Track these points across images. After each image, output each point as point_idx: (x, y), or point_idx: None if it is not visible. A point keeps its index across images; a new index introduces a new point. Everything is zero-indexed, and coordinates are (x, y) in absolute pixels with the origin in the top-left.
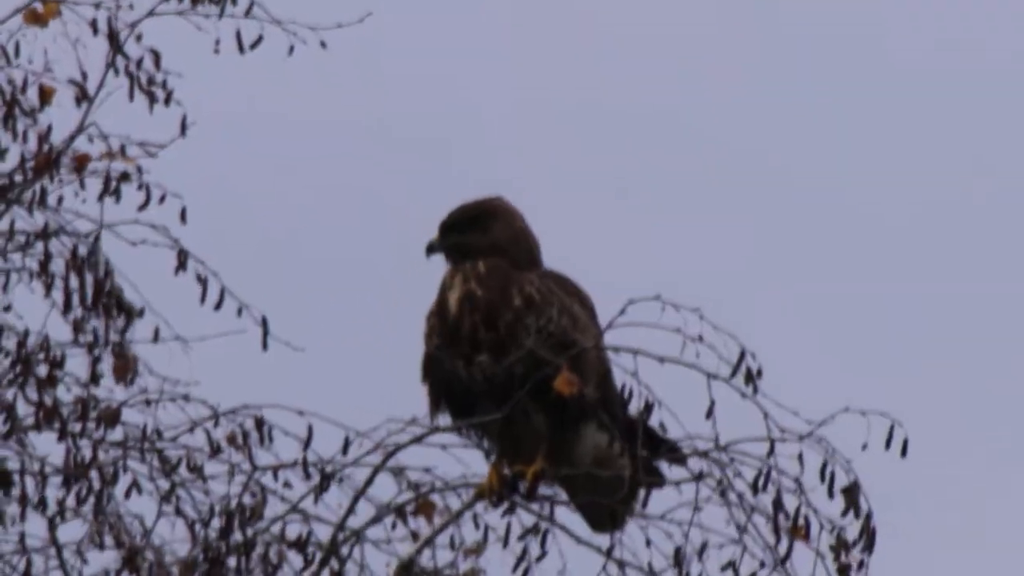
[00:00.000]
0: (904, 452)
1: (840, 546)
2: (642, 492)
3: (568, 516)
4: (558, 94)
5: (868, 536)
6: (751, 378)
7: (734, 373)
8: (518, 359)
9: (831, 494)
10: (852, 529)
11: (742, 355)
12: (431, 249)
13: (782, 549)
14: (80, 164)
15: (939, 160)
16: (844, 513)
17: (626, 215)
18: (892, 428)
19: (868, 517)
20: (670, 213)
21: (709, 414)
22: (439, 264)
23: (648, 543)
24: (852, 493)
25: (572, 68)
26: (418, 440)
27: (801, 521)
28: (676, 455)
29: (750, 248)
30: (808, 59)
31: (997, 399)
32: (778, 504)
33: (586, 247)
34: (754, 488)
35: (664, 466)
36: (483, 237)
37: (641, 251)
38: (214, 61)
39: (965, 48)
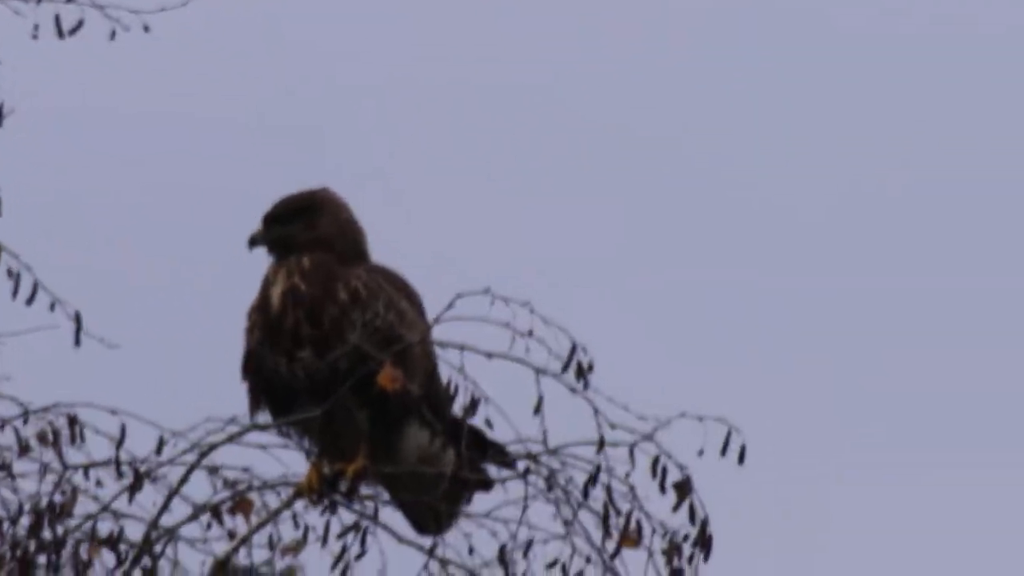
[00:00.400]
0: (741, 459)
1: (672, 550)
2: (468, 492)
3: (391, 515)
4: (430, 73)
5: (703, 542)
6: (582, 373)
7: (565, 368)
8: (342, 354)
9: (663, 489)
10: (687, 532)
11: (573, 349)
12: (253, 242)
13: (611, 547)
14: None
15: (823, 138)
16: (676, 508)
17: (495, 198)
18: (729, 434)
19: (704, 523)
20: (538, 196)
21: (537, 410)
22: (263, 258)
23: (470, 548)
24: (684, 489)
25: (446, 46)
26: (234, 438)
27: (633, 525)
28: (505, 458)
29: (616, 234)
30: (689, 34)
31: (850, 400)
32: (609, 502)
33: (453, 232)
34: (584, 491)
35: (492, 469)
36: (308, 230)
37: (508, 236)
38: (34, 48)
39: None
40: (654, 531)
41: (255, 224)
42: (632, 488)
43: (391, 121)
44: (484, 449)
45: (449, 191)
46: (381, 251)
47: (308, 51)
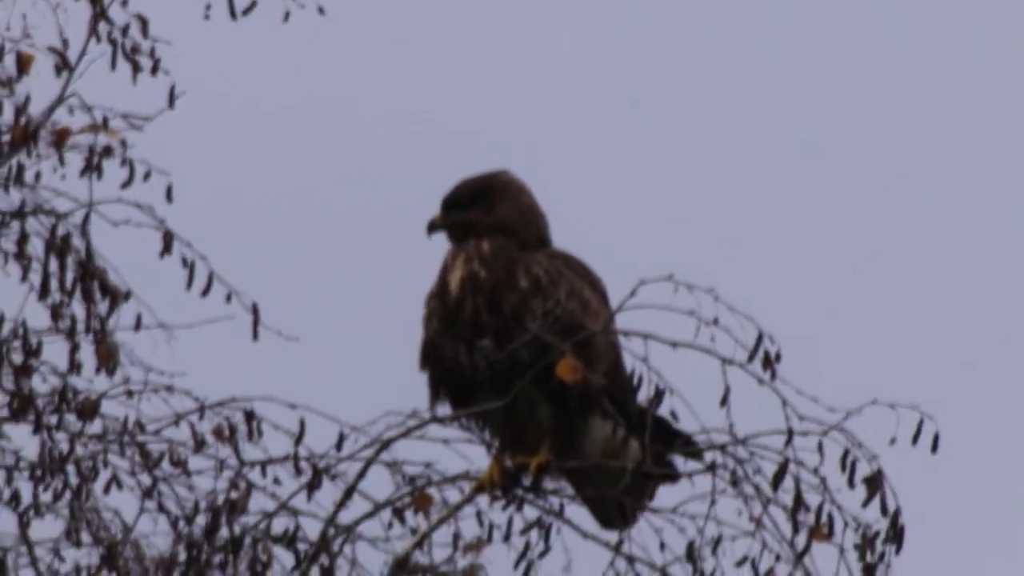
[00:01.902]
0: (935, 448)
1: (866, 544)
2: (653, 485)
3: (575, 510)
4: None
5: (896, 535)
6: (769, 363)
7: (751, 358)
8: (523, 344)
9: (851, 484)
10: (880, 528)
11: (759, 339)
12: (432, 227)
13: (800, 543)
14: (60, 138)
15: None
16: (865, 503)
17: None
18: (921, 422)
19: (896, 514)
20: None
21: (724, 402)
22: (442, 244)
23: (661, 544)
24: (874, 483)
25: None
26: (413, 432)
27: (824, 519)
28: (691, 449)
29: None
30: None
31: None
32: (798, 499)
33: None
34: (774, 484)
35: (679, 461)
36: (488, 214)
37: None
38: (205, 28)
39: None
40: (846, 525)
41: (434, 208)
42: (823, 480)
43: (566, 118)
44: (670, 440)
45: (632, 178)
46: (562, 237)
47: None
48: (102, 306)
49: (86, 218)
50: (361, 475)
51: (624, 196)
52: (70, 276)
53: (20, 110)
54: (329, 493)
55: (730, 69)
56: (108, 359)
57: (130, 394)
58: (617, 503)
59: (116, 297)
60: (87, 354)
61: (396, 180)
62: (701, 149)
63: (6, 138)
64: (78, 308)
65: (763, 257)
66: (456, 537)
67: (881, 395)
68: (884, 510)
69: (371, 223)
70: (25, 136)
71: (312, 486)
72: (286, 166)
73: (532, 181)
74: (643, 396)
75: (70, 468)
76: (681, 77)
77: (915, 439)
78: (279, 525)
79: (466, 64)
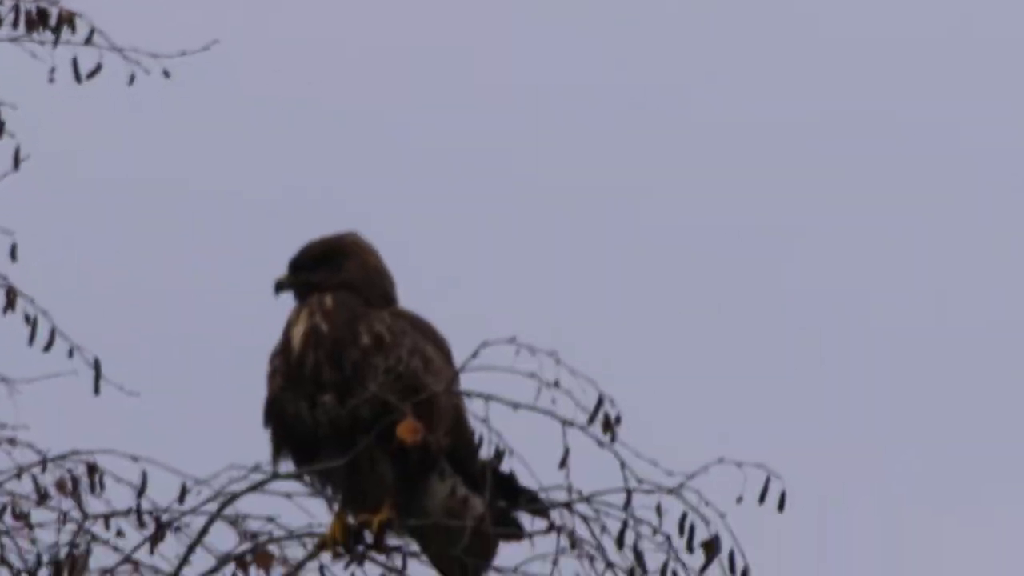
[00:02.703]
0: (781, 507)
1: None
2: (496, 543)
3: (419, 569)
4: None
5: None
6: (609, 426)
7: (591, 420)
8: (364, 402)
9: (690, 548)
10: None
11: (600, 401)
12: (280, 287)
13: None
14: None
15: None
16: (703, 569)
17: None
18: (768, 480)
19: (745, 573)
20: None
21: (563, 463)
22: (289, 303)
23: None
24: (711, 547)
25: None
26: (257, 487)
27: None
28: (536, 506)
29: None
30: None
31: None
32: (639, 558)
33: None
34: (619, 542)
35: (524, 518)
36: (334, 275)
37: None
38: (51, 91)
39: None
40: None
41: (281, 268)
42: (668, 539)
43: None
44: (515, 497)
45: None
46: (407, 298)
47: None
48: None
49: None
50: (205, 530)
51: (468, 258)
52: None
53: None
54: (172, 546)
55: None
56: None
57: None
58: (460, 562)
59: None
60: None
61: (243, 240)
62: (547, 212)
63: None
64: None
65: (607, 318)
66: None
67: (728, 454)
68: (732, 568)
69: (217, 281)
70: None
71: (155, 539)
72: (130, 226)
73: (379, 243)
74: (485, 455)
75: None
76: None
77: (762, 498)
78: None
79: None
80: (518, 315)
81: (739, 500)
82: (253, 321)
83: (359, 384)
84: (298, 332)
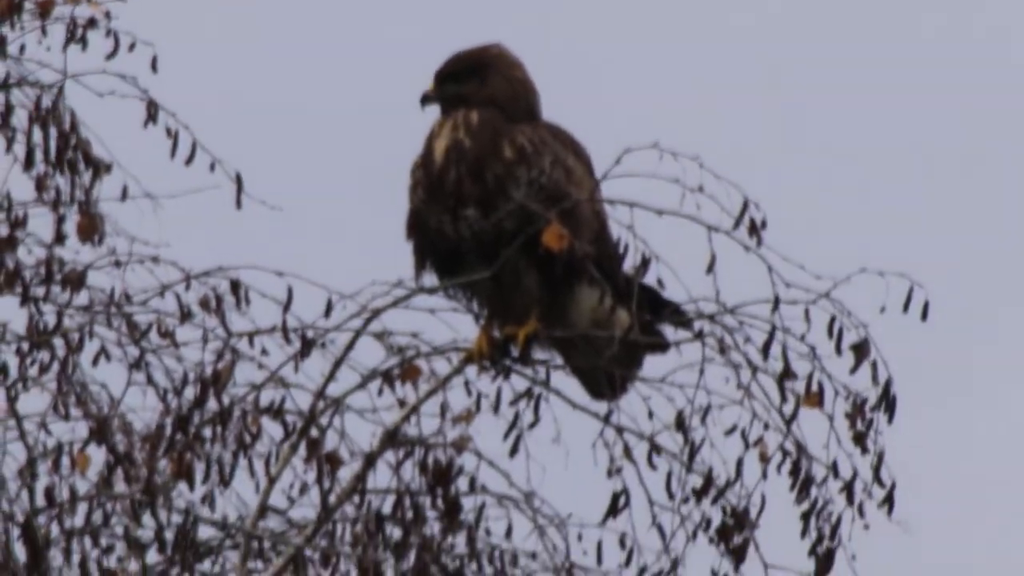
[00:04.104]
0: (925, 315)
1: (856, 412)
2: (642, 354)
3: (564, 381)
4: None
5: (888, 403)
6: (755, 230)
7: (736, 224)
8: (508, 213)
9: (839, 351)
10: (870, 395)
11: (745, 205)
12: (426, 100)
13: (789, 411)
14: (44, 9)
15: None
16: (853, 370)
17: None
18: (912, 290)
19: (888, 383)
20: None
21: (710, 269)
22: (435, 116)
23: (650, 413)
24: (862, 350)
25: None
26: (400, 302)
27: (814, 387)
28: (680, 318)
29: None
30: None
31: None
32: (786, 367)
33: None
34: (764, 352)
35: (667, 330)
36: (480, 87)
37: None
38: None
39: None
40: (836, 393)
41: (426, 81)
42: (812, 349)
43: None
44: (659, 309)
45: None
46: (551, 110)
47: None
48: (86, 177)
49: (61, 88)
50: (350, 346)
51: (614, 65)
52: (54, 147)
53: None
54: (316, 362)
55: None
56: (91, 231)
57: (117, 264)
58: (606, 373)
59: (98, 168)
60: (73, 225)
61: (385, 49)
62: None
63: None
64: (62, 179)
65: (748, 124)
66: (444, 408)
67: (869, 262)
68: (875, 378)
69: (358, 92)
70: (9, 7)
71: (301, 356)
72: (265, 35)
73: (523, 54)
74: (629, 265)
75: (57, 341)
76: None
77: (906, 307)
78: (267, 396)
79: None
80: (660, 123)
81: (882, 310)
82: (397, 133)
83: (502, 196)
84: (440, 146)
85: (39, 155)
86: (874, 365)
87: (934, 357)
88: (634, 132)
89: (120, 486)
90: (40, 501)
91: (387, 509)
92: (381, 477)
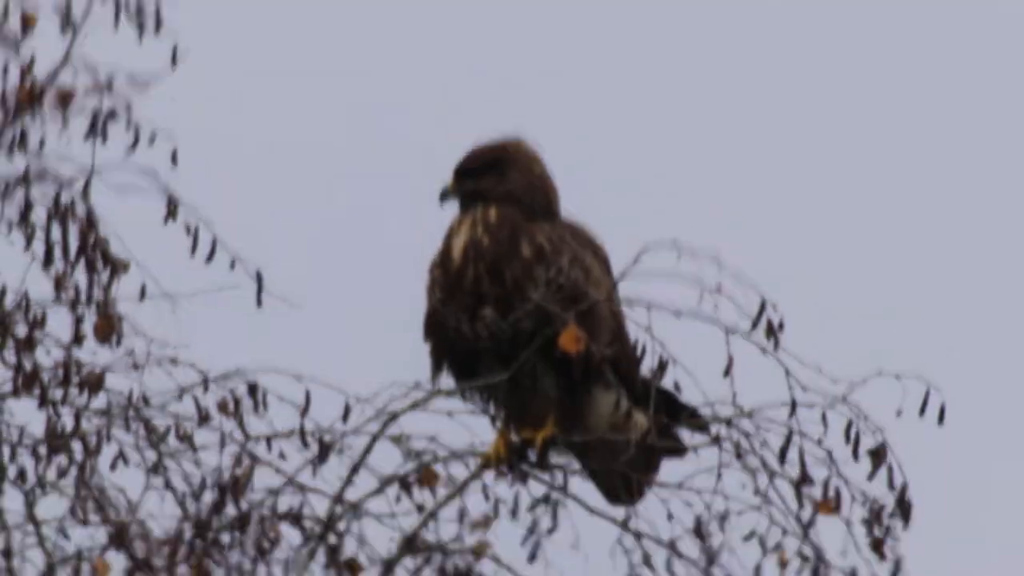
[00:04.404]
0: (942, 419)
1: (874, 519)
2: (659, 459)
3: (581, 486)
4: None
5: (903, 509)
6: (772, 332)
7: (754, 326)
8: (525, 314)
9: (856, 456)
10: (887, 502)
11: (762, 307)
12: (445, 196)
13: (806, 517)
14: (64, 100)
15: None
16: (871, 476)
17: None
18: (928, 393)
19: (903, 489)
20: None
21: (727, 372)
22: (454, 212)
23: (669, 515)
24: (879, 455)
25: None
26: (418, 405)
27: (831, 492)
28: (696, 422)
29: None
30: None
31: None
32: (803, 472)
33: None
34: (781, 457)
35: (684, 433)
36: (499, 184)
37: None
38: None
39: None
40: (853, 498)
41: (445, 178)
42: (829, 453)
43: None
44: (676, 413)
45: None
46: (569, 205)
47: None
48: (104, 275)
49: (87, 184)
50: (368, 450)
51: (629, 166)
52: (73, 245)
53: (26, 70)
54: (333, 466)
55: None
56: (108, 332)
57: (135, 366)
58: (623, 477)
59: (117, 267)
60: (91, 325)
61: (406, 152)
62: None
63: (11, 101)
64: (81, 278)
65: (766, 225)
66: (463, 513)
67: (886, 365)
68: (891, 484)
69: (379, 190)
70: (31, 97)
71: (319, 460)
72: (291, 126)
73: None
74: (647, 367)
75: (75, 444)
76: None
77: (922, 410)
78: (285, 501)
79: None
80: (677, 223)
81: (899, 413)
82: (416, 231)
83: (520, 296)
84: (458, 244)
85: (58, 252)
86: (890, 469)
87: (951, 459)
88: (651, 231)
89: None
90: None
91: None
92: None
